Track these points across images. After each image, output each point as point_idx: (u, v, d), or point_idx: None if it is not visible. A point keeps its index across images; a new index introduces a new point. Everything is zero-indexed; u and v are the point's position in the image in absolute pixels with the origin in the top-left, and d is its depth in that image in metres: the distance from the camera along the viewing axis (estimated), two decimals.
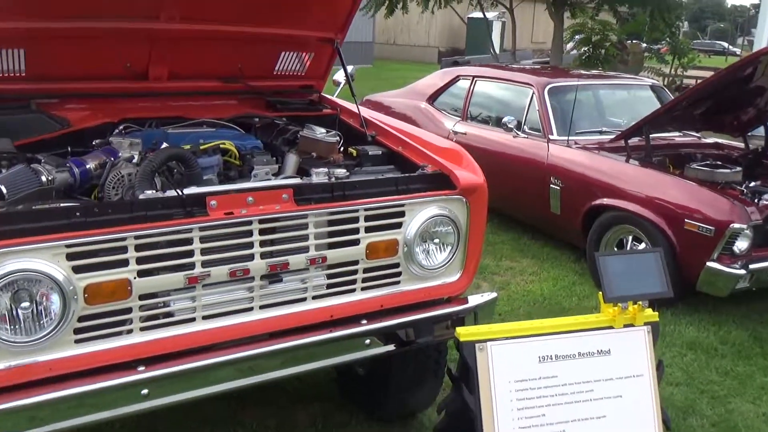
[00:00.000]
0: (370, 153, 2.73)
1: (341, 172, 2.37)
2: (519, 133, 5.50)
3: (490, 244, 5.69)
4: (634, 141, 4.97)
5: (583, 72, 7.04)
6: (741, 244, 4.04)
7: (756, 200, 4.36)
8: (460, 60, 19.15)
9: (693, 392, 3.45)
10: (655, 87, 6.28)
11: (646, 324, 2.45)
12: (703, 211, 4.06)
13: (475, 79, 6.31)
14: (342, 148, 2.78)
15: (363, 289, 2.38)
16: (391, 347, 2.48)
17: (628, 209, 4.47)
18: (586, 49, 15.76)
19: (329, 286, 2.32)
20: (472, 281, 2.64)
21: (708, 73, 17.27)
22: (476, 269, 2.66)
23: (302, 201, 2.20)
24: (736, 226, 3.90)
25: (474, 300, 2.64)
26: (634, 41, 19.42)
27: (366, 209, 2.30)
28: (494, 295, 2.68)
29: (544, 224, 5.51)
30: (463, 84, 6.43)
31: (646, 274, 2.43)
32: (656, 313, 2.47)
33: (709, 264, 4.01)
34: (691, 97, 4.55)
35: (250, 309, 2.17)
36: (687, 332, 4.10)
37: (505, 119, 5.51)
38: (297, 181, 2.34)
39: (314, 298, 2.29)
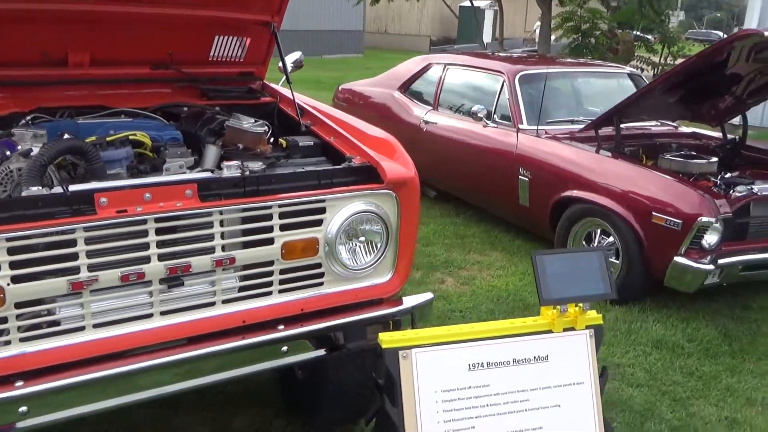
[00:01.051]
0: (300, 144, 2.55)
1: (256, 165, 2.18)
2: (489, 122, 5.32)
3: (460, 237, 5.53)
4: (607, 130, 4.80)
5: (560, 59, 6.84)
6: (710, 239, 3.87)
7: (728, 192, 4.19)
8: (448, 49, 18.90)
9: (654, 394, 3.29)
10: (634, 75, 6.08)
11: (588, 328, 2.27)
12: (671, 203, 3.89)
13: (447, 66, 6.11)
14: (273, 139, 2.60)
15: (281, 291, 2.20)
16: (321, 352, 2.32)
17: (595, 201, 4.30)
18: (575, 37, 15.55)
19: (242, 289, 2.14)
20: (405, 281, 2.46)
21: None
22: (410, 268, 2.48)
23: (208, 197, 2.02)
24: (704, 219, 3.73)
25: (409, 301, 2.47)
26: (625, 30, 19.21)
27: (280, 206, 2.12)
28: (430, 295, 2.50)
29: (514, 217, 5.34)
30: (435, 72, 6.23)
31: (588, 275, 2.25)
32: (600, 315, 2.30)
33: (677, 259, 3.84)
34: (662, 84, 4.36)
35: (150, 316, 1.99)
36: (654, 330, 3.93)
37: (474, 108, 5.32)
38: (203, 175, 2.15)
39: (224, 302, 2.11)
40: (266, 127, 2.54)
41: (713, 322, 4.09)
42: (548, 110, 5.23)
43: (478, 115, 5.29)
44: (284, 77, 3.41)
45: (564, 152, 4.65)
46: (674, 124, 5.52)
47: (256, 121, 2.55)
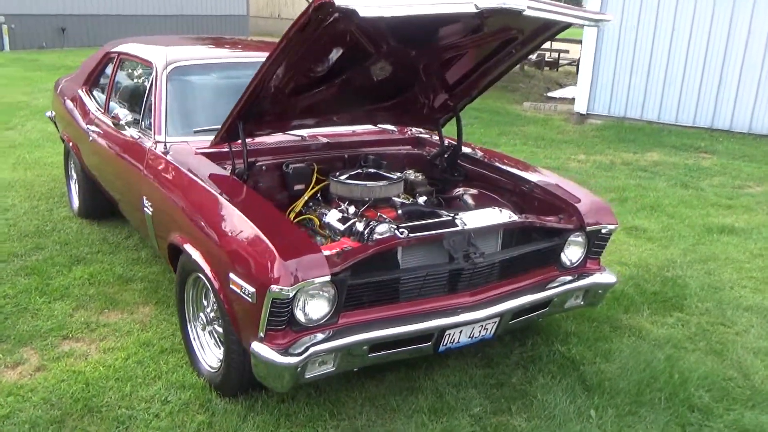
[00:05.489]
0: None
1: None
2: (135, 132, 3.93)
3: (122, 283, 4.17)
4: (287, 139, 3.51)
5: (250, 42, 5.25)
6: (313, 311, 2.60)
7: (367, 235, 2.94)
8: None
9: None
10: None
11: None
12: (245, 262, 2.59)
13: (120, 57, 4.69)
14: None
15: None
16: None
17: (189, 253, 2.98)
18: None
19: None
20: None
21: (571, 46, 16.05)
22: None
23: None
24: (276, 288, 2.44)
25: None
26: None
27: None
28: None
29: (163, 261, 4.00)
30: (111, 64, 4.81)
31: None
32: None
33: (253, 346, 2.56)
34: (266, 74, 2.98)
35: None
36: None
37: (115, 111, 3.93)
38: None
39: None
40: None
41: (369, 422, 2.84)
42: (200, 115, 3.87)
43: (121, 122, 3.91)
44: None
45: (175, 177, 3.31)
46: (393, 128, 4.27)
47: None
